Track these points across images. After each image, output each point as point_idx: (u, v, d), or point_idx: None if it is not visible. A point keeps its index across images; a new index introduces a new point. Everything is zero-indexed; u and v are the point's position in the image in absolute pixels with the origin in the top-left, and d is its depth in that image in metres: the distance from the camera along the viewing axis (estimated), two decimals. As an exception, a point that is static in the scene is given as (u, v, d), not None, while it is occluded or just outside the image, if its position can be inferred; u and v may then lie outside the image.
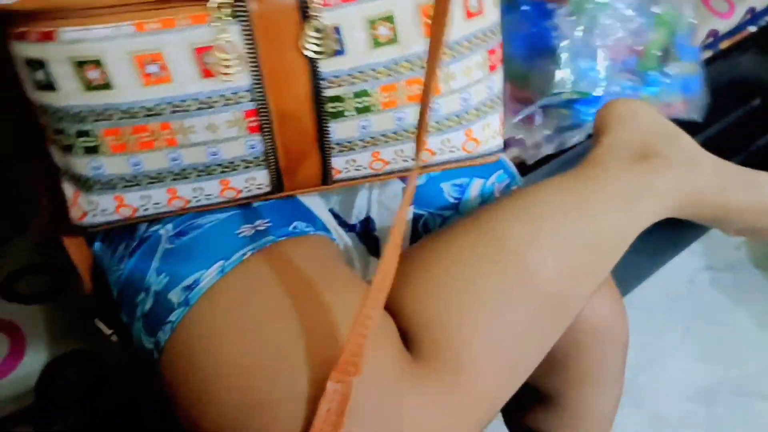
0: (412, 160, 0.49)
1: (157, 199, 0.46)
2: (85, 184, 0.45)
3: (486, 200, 0.58)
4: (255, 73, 0.42)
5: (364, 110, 0.45)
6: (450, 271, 0.44)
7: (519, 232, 0.47)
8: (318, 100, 0.44)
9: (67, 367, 0.62)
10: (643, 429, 1.04)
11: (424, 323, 0.42)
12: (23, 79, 0.43)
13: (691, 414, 1.06)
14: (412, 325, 0.42)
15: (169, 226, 0.49)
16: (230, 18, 0.40)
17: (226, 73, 0.41)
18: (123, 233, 0.51)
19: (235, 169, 0.45)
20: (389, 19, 0.42)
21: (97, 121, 0.42)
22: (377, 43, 0.43)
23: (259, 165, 0.46)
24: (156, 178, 0.45)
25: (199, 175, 0.45)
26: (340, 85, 0.44)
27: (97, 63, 0.40)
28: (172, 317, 0.44)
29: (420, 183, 0.58)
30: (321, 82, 0.43)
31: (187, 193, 0.46)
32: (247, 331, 0.40)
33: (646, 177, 0.53)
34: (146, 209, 0.46)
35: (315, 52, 0.42)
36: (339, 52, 0.42)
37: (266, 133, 0.44)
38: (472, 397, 0.40)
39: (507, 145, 0.81)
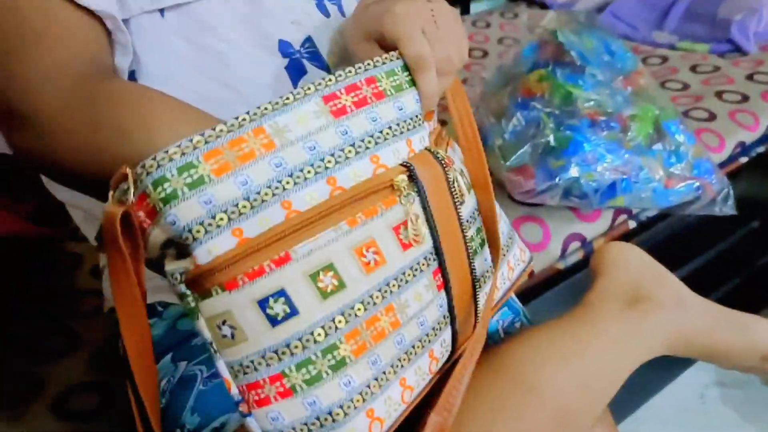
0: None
1: (394, 396, 0.43)
2: (335, 419, 0.40)
3: (492, 337, 0.64)
4: (433, 233, 0.45)
5: (482, 244, 0.52)
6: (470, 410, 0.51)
7: (528, 370, 0.54)
8: (465, 242, 0.48)
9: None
10: None
11: None
12: (249, 333, 0.39)
13: None
14: None
15: (204, 367, 0.55)
16: (412, 192, 0.44)
17: (417, 240, 0.44)
18: (167, 370, 0.58)
19: (436, 335, 0.46)
20: None
21: (338, 329, 0.40)
22: None
23: (446, 324, 0.47)
24: (391, 372, 0.43)
25: (416, 352, 0.45)
26: (470, 226, 0.50)
27: (329, 267, 0.40)
28: None
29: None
30: (463, 224, 0.48)
31: (412, 378, 0.45)
32: None
33: (638, 321, 0.59)
34: (389, 414, 0.43)
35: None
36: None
37: (448, 289, 0.47)
38: None
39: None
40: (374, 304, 0.42)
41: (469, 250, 0.48)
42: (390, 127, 0.45)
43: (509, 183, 0.87)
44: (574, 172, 0.82)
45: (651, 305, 0.61)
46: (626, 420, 1.22)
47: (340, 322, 0.40)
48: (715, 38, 1.41)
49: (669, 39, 1.47)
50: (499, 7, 1.82)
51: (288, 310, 0.39)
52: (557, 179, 0.82)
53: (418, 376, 0.45)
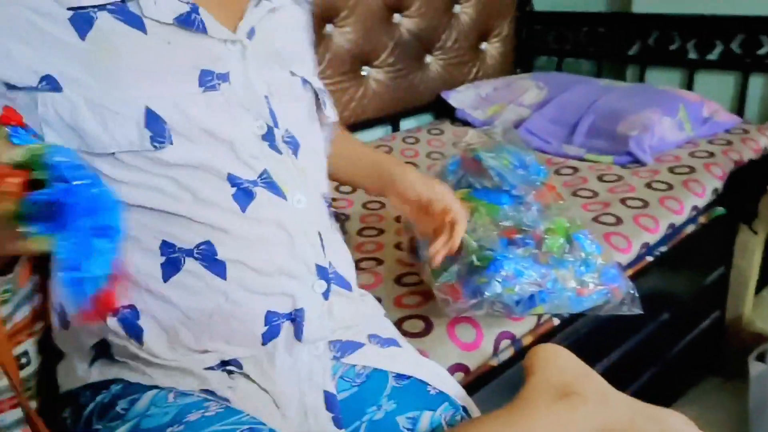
0: None
1: None
2: None
3: (435, 430, 0.69)
4: None
5: None
6: None
7: None
8: None
9: None
10: None
11: None
12: None
13: None
14: None
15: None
16: None
17: None
18: None
19: None
20: None
21: None
22: None
23: None
24: None
25: None
26: None
27: None
28: None
29: (378, 418, 0.69)
30: None
31: None
32: None
33: (567, 413, 0.66)
34: None
35: None
36: None
37: None
38: None
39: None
40: None
41: None
42: None
43: (440, 301, 0.93)
44: (497, 288, 0.89)
45: (578, 399, 0.67)
46: None
47: None
48: (617, 151, 1.58)
49: (578, 152, 1.64)
50: (426, 125, 1.99)
51: None
52: (483, 295, 0.89)
53: None
